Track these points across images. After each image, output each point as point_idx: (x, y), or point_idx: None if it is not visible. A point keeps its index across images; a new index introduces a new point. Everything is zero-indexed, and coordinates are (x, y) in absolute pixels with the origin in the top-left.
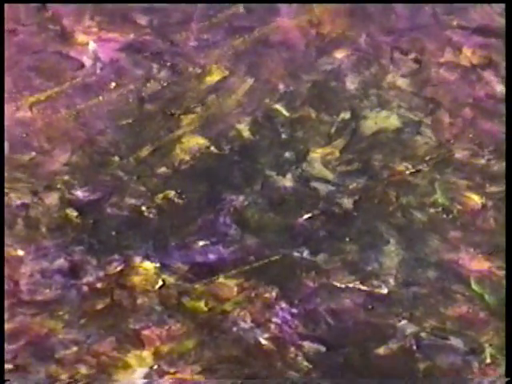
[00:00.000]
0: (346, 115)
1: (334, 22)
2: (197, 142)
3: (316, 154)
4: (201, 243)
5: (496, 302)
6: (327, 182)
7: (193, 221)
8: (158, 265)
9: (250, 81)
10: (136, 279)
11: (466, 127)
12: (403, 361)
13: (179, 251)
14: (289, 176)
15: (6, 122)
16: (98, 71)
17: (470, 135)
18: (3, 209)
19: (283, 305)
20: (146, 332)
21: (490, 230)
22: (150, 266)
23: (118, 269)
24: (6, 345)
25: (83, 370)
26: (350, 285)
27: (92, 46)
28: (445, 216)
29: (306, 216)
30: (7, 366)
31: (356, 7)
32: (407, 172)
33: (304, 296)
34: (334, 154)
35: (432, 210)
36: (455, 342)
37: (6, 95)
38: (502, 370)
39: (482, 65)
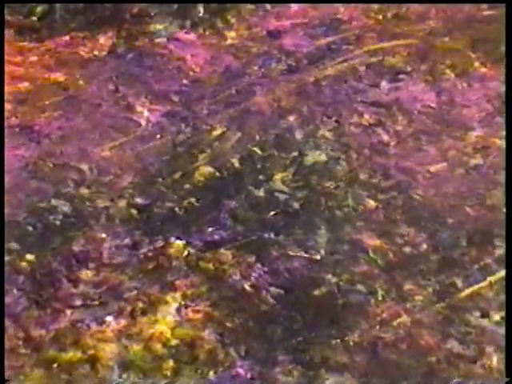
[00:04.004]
0: (295, 154)
1: (288, 99)
2: (208, 170)
3: (278, 176)
4: (210, 229)
5: (383, 264)
6: (284, 193)
7: (205, 216)
8: (184, 242)
9: (238, 134)
10: (172, 250)
11: (366, 160)
12: (329, 298)
13: (197, 234)
14: (262, 189)
15: (95, 158)
16: (150, 128)
17: (368, 165)
18: (3, 209)
19: (259, 266)
20: (177, 282)
21: (380, 221)
22: (180, 243)
23: (161, 244)
24: (94, 290)
25: (140, 304)
26: (298, 254)
27: (146, 113)
28: (354, 213)
29: (272, 213)
30: (94, 302)
31: (300, 90)
32: (331, 187)
33: (271, 260)
34: (288, 176)
35: (346, 210)
36: (360, 287)
37: (94, 142)
38: (389, 304)
39: (376, 124)
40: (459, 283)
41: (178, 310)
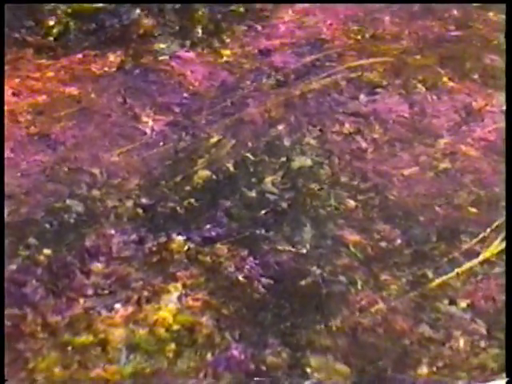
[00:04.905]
0: (284, 159)
1: (277, 110)
2: (205, 173)
3: (268, 179)
4: (207, 226)
5: (362, 257)
6: (274, 194)
7: (203, 215)
8: (185, 238)
9: (233, 141)
10: (173, 246)
11: (347, 165)
12: (314, 288)
13: (196, 231)
14: (254, 191)
15: (105, 162)
16: (154, 137)
17: (349, 169)
18: (3, 209)
19: (251, 259)
20: (178, 273)
21: (359, 219)
22: (180, 238)
23: (164, 240)
24: (104, 280)
25: (145, 293)
26: (286, 248)
27: (150, 123)
28: (336, 212)
29: (263, 212)
30: (104, 292)
31: (288, 102)
32: (316, 188)
33: (262, 254)
34: (278, 179)
35: (329, 209)
36: (342, 278)
37: (104, 148)
38: (367, 293)
39: (355, 132)
40: (430, 274)
41: (179, 298)
